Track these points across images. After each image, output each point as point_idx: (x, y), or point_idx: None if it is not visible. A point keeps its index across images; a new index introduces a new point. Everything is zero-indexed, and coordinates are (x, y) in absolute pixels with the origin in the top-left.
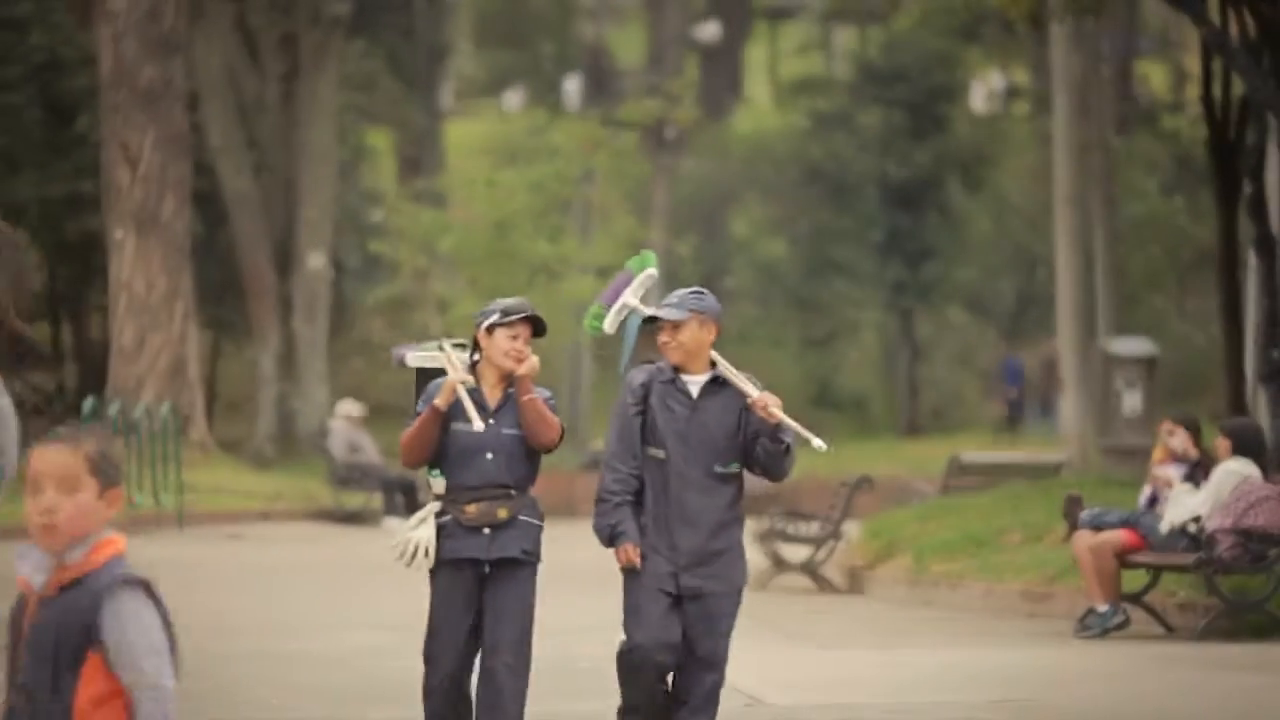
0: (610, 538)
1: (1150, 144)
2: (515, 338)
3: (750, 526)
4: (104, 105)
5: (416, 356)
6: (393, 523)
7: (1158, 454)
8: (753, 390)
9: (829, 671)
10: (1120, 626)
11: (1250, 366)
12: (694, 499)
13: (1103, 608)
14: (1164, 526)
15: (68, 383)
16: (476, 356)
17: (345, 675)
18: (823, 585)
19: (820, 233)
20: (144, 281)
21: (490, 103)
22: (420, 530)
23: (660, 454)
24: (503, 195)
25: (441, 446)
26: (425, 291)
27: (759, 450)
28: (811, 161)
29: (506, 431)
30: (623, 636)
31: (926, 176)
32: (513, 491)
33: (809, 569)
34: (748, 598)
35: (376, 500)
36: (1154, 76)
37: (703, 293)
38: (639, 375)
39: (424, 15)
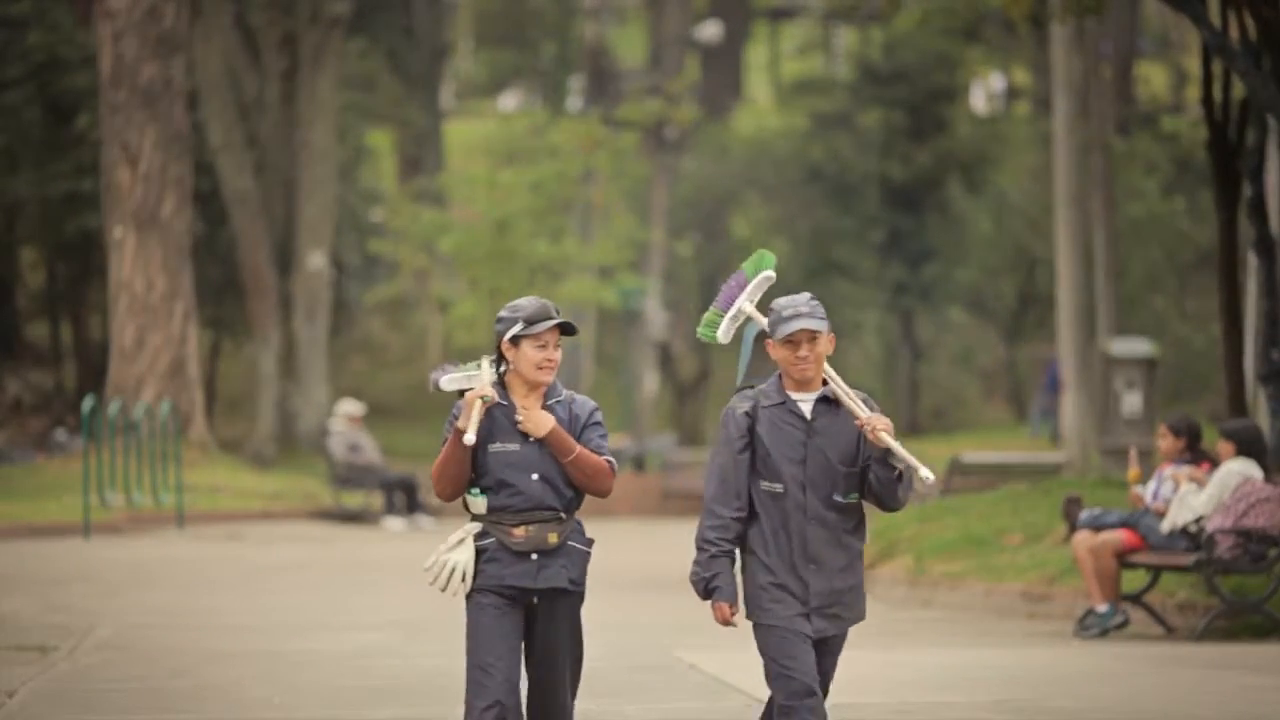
0: (705, 591)
1: (1150, 145)
2: (544, 346)
3: None
4: (104, 104)
5: (451, 379)
6: (393, 522)
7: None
8: (862, 410)
9: None
10: (1120, 627)
11: (1250, 367)
12: (817, 534)
13: (1102, 608)
14: (1165, 526)
15: (67, 382)
16: (504, 368)
17: (345, 675)
18: None
19: (821, 233)
20: (144, 281)
21: (490, 102)
22: (458, 553)
23: (777, 487)
24: (503, 195)
25: (481, 467)
26: (425, 291)
27: (871, 478)
28: (812, 162)
29: (568, 438)
30: (768, 693)
31: (927, 177)
32: (562, 515)
33: None
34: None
35: (376, 500)
36: (1154, 78)
37: (818, 299)
38: (740, 404)
39: (424, 15)
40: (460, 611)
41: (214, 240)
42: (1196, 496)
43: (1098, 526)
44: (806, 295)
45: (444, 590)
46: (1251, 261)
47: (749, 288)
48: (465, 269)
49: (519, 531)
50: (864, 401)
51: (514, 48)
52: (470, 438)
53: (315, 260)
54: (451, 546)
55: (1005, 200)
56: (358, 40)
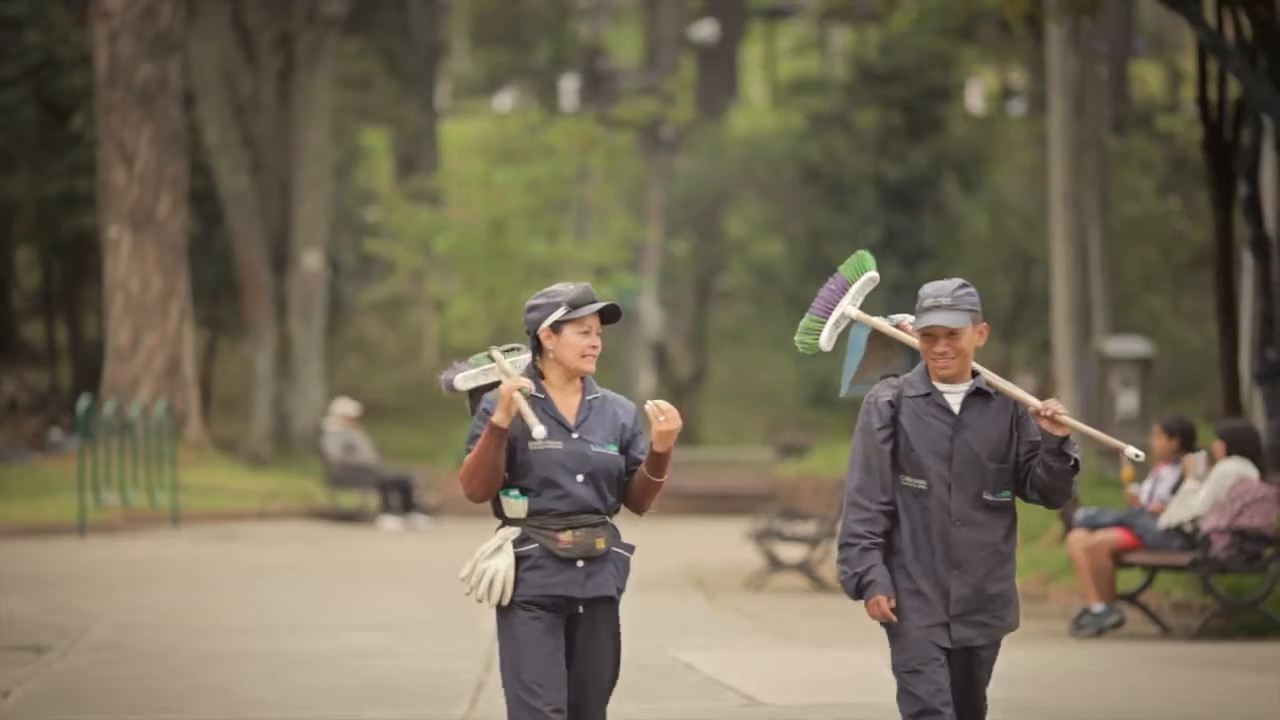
0: (858, 589)
1: (1146, 145)
2: (587, 333)
3: (745, 526)
4: (100, 104)
5: (466, 377)
6: (389, 522)
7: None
8: (1033, 399)
9: (825, 671)
10: (1115, 626)
11: (1246, 367)
12: (963, 535)
13: (1098, 607)
14: (1163, 522)
15: (63, 382)
16: (537, 357)
17: (342, 675)
18: (819, 585)
19: (816, 233)
20: (139, 280)
21: (486, 102)
22: (496, 560)
23: (920, 484)
24: (499, 195)
25: (520, 466)
26: (421, 291)
27: (1040, 470)
28: (808, 161)
29: (596, 450)
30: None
31: (923, 177)
32: (606, 518)
33: (805, 569)
34: (743, 597)
35: (372, 500)
36: (1150, 77)
37: (969, 286)
38: (884, 392)
39: (420, 14)
40: (463, 612)
41: (209, 240)
42: (1197, 495)
43: (1093, 526)
44: (956, 283)
45: (481, 601)
46: (1247, 261)
47: (851, 291)
48: (461, 268)
49: (565, 537)
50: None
51: (510, 47)
52: (540, 430)
53: (311, 260)
54: (489, 554)
55: (1001, 200)
56: (353, 40)
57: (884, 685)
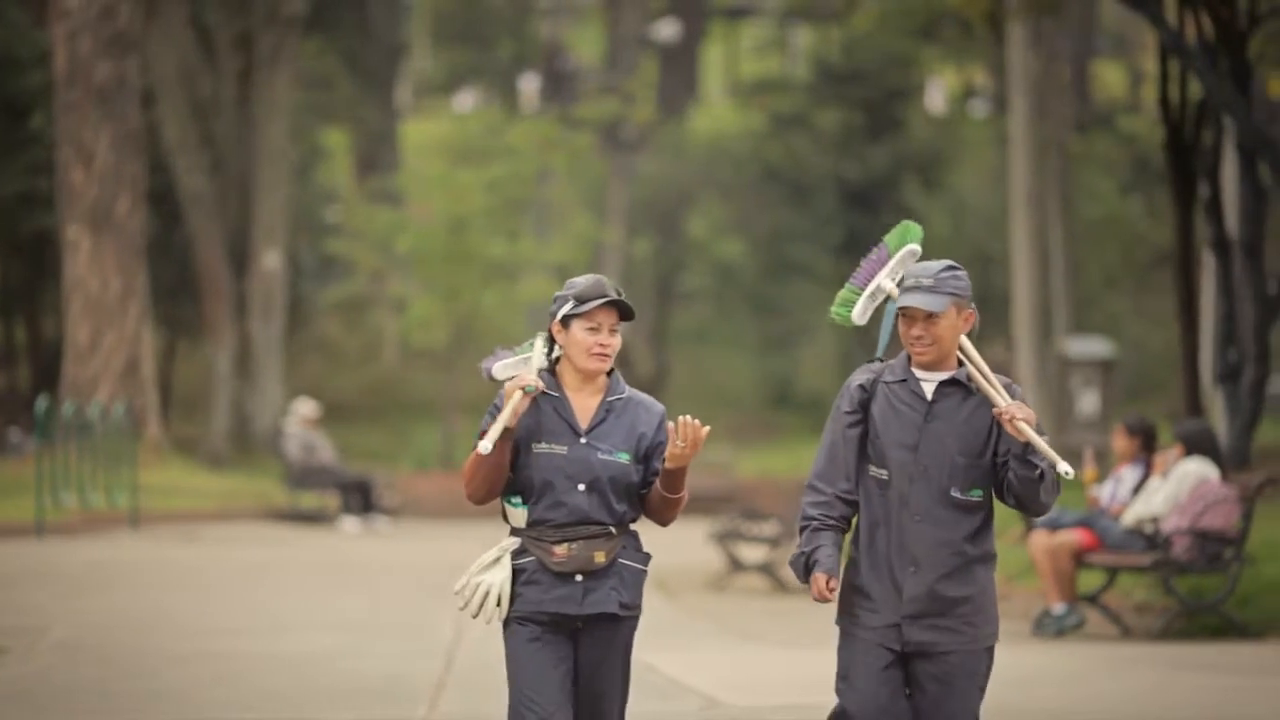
0: (805, 568)
1: (1107, 145)
2: (596, 329)
3: (706, 527)
4: (58, 103)
5: (504, 366)
6: (349, 523)
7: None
8: (1001, 397)
9: (787, 672)
10: (1076, 627)
11: (1206, 367)
12: (921, 531)
13: (1059, 608)
14: (1127, 517)
15: (21, 382)
16: (556, 354)
17: (302, 676)
18: (780, 586)
19: (778, 233)
20: (98, 280)
21: (447, 101)
22: (492, 574)
23: (882, 473)
24: (459, 195)
25: (521, 472)
26: (381, 291)
27: (1011, 477)
28: (769, 162)
29: (603, 457)
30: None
31: (884, 177)
32: (612, 529)
33: (767, 569)
34: (705, 598)
35: (332, 501)
36: (1111, 78)
37: (958, 268)
38: (859, 375)
39: (380, 14)
40: (423, 613)
41: (169, 240)
42: (1157, 496)
43: (1055, 527)
44: (942, 264)
45: (476, 617)
46: (1208, 261)
47: (891, 263)
48: (421, 269)
49: (560, 550)
50: (1006, 389)
51: (470, 47)
52: (486, 446)
53: (271, 260)
54: (485, 566)
55: (962, 200)
56: (313, 39)
57: None
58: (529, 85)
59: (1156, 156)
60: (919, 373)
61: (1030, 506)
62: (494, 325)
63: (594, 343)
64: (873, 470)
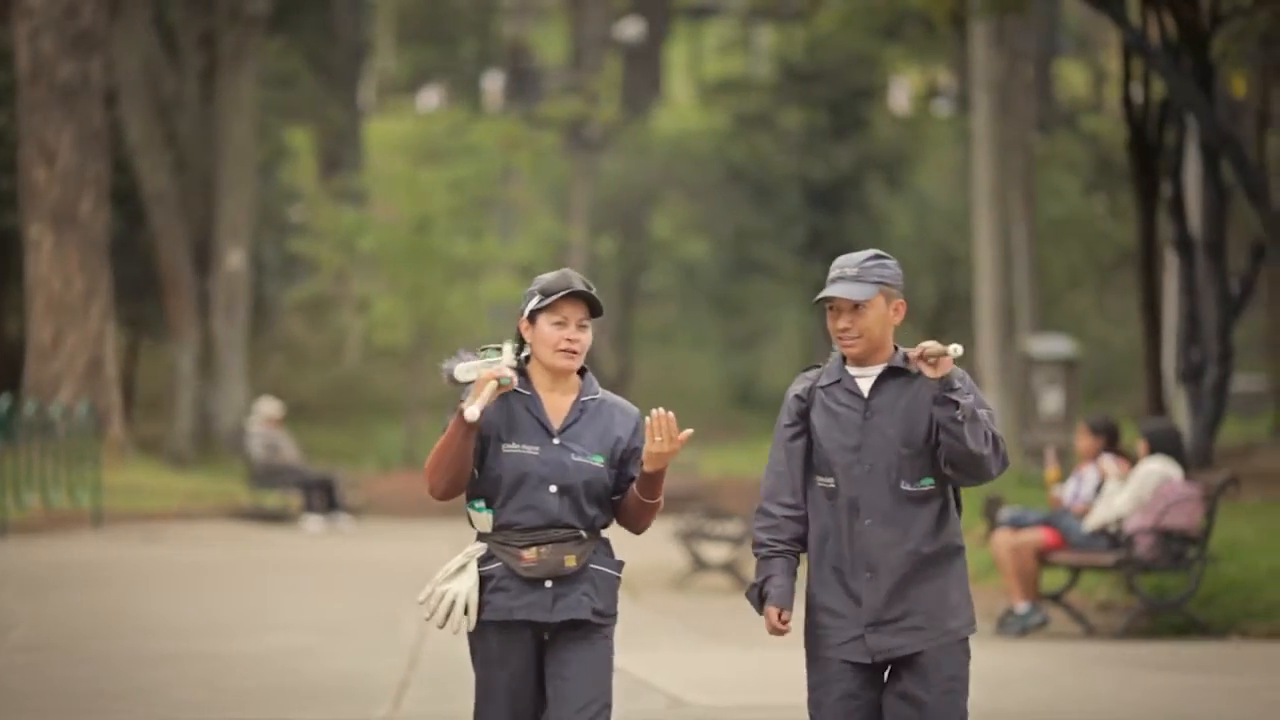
0: (759, 600)
1: (1070, 144)
2: (563, 324)
3: (669, 526)
4: (21, 102)
5: (468, 368)
6: (312, 522)
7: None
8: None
9: (751, 671)
10: (1039, 626)
11: (1169, 367)
12: (875, 534)
13: (1022, 607)
14: (1089, 523)
15: None
16: (527, 353)
17: (266, 676)
18: (743, 585)
19: (741, 233)
20: (61, 279)
21: (411, 100)
22: (457, 581)
23: (829, 482)
24: (423, 194)
25: (489, 470)
26: (345, 290)
27: (940, 432)
28: (733, 161)
29: (576, 459)
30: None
31: (848, 176)
32: (583, 534)
33: (730, 568)
34: (669, 597)
35: (296, 500)
36: (1074, 77)
37: (885, 258)
38: (796, 385)
39: (344, 12)
40: (387, 612)
41: (132, 239)
42: (1119, 496)
43: (1018, 526)
44: (867, 253)
45: (442, 626)
46: (1171, 261)
47: None
48: (385, 268)
49: (529, 554)
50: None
51: (434, 46)
52: (473, 412)
53: (234, 259)
54: (450, 574)
55: (925, 199)
56: (277, 38)
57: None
58: (493, 84)
59: (1120, 156)
60: (853, 370)
61: (965, 465)
62: (457, 325)
63: (561, 338)
64: (819, 480)
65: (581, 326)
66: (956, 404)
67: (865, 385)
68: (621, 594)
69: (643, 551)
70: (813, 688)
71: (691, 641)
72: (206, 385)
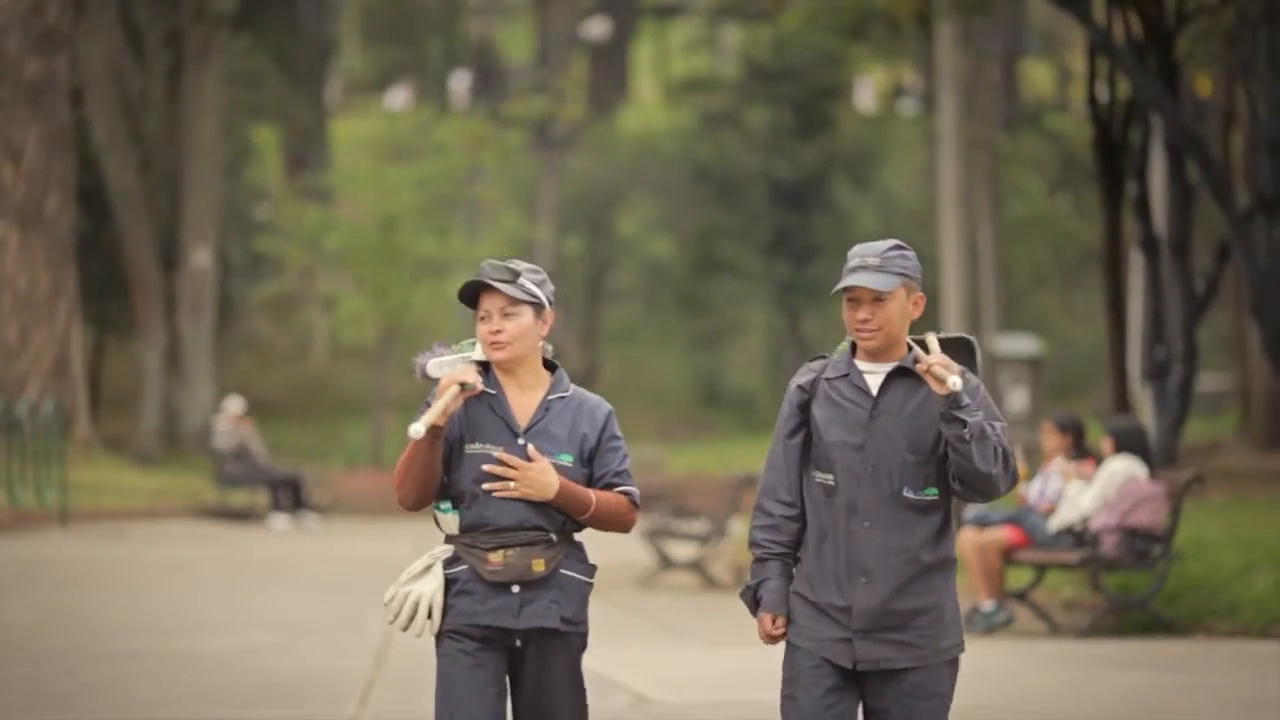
0: (753, 603)
1: (1036, 143)
2: (485, 317)
3: (636, 525)
4: None
5: (441, 363)
6: (278, 520)
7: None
8: (924, 355)
9: (717, 669)
10: (1005, 624)
11: (1135, 365)
12: (873, 538)
13: (987, 605)
14: (1054, 525)
15: None
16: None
17: (233, 674)
18: (710, 583)
19: (707, 231)
20: (27, 278)
21: (377, 99)
22: (422, 583)
23: (828, 479)
24: (389, 192)
25: (455, 473)
26: (311, 289)
27: (949, 452)
28: (699, 160)
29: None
30: None
31: (813, 175)
32: (552, 536)
33: (697, 567)
34: (635, 595)
35: (262, 498)
36: (1040, 76)
37: (906, 248)
38: (800, 376)
39: (310, 11)
40: (353, 611)
41: (98, 237)
42: (1084, 495)
43: (983, 524)
44: (889, 243)
45: (405, 629)
46: (1136, 260)
47: None
48: (351, 266)
49: (495, 558)
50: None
51: (400, 44)
52: (417, 429)
53: (200, 258)
54: (414, 575)
55: (891, 198)
56: (243, 36)
57: (775, 684)
58: (459, 83)
59: (1085, 155)
60: (862, 365)
61: (974, 483)
62: (424, 323)
63: (485, 332)
64: (818, 476)
65: (505, 315)
66: (964, 422)
67: (874, 382)
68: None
69: (609, 550)
70: (789, 678)
71: (658, 639)
72: (173, 384)
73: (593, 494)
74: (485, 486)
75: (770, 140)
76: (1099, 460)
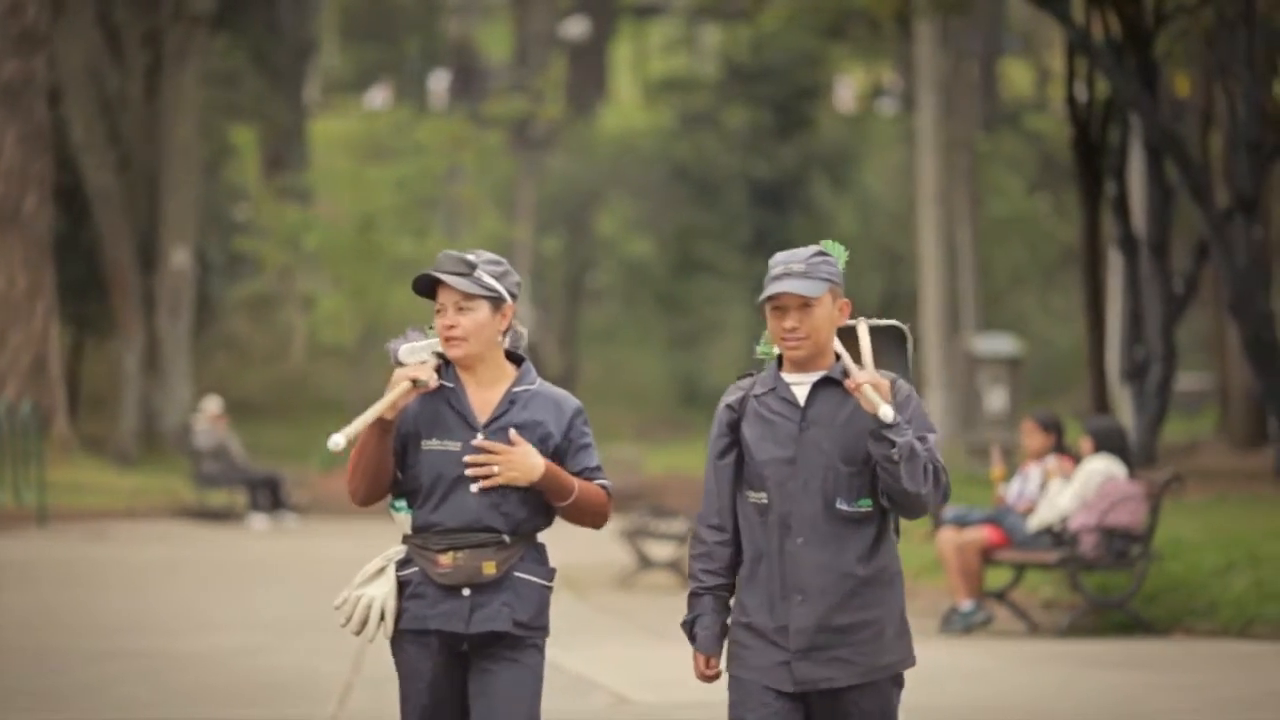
0: (691, 638)
1: (1015, 143)
2: (440, 311)
3: (614, 524)
4: None
5: (412, 349)
6: (258, 520)
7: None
8: (855, 369)
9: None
10: (984, 624)
11: (1113, 365)
12: (806, 556)
13: (966, 605)
14: (1033, 524)
15: None
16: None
17: (211, 674)
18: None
19: (686, 231)
20: (5, 278)
21: (356, 99)
22: (374, 586)
23: (761, 497)
24: (368, 192)
25: (409, 470)
26: (290, 289)
27: (878, 470)
28: (678, 160)
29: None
30: None
31: (792, 175)
32: (505, 537)
33: (675, 566)
34: (614, 595)
35: (241, 498)
36: (1019, 76)
37: (828, 254)
38: (727, 395)
39: (289, 10)
40: (331, 611)
41: (76, 237)
42: (1063, 495)
43: (962, 524)
44: (811, 249)
45: (358, 634)
46: (1115, 259)
47: None
48: (330, 266)
49: (444, 559)
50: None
51: (379, 44)
52: (336, 441)
53: (179, 257)
54: (367, 578)
55: (870, 198)
56: (221, 36)
57: None
58: (438, 83)
59: (1064, 155)
60: (789, 377)
61: (902, 502)
62: (402, 322)
63: (441, 326)
64: (751, 496)
65: (460, 310)
66: (892, 442)
67: (802, 393)
68: (567, 592)
69: (588, 549)
70: (735, 704)
71: (637, 639)
72: (151, 383)
73: (575, 482)
74: (470, 473)
75: (749, 140)
76: (1078, 459)
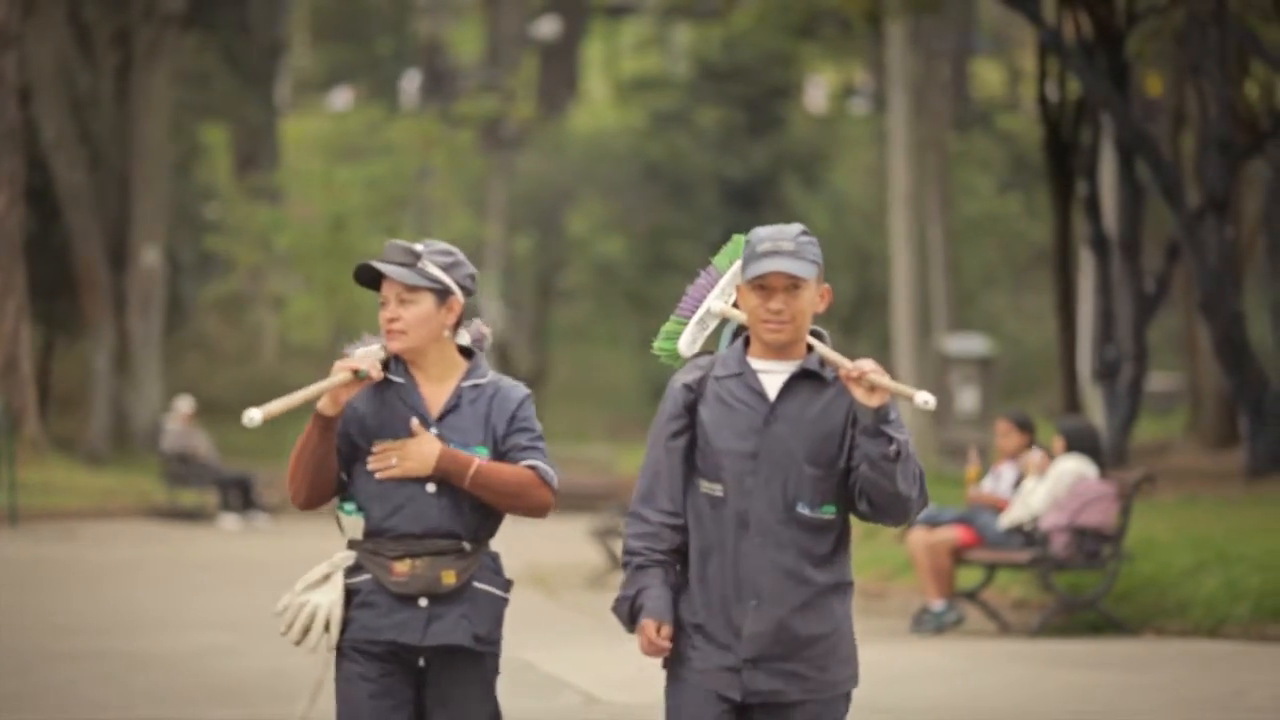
0: (630, 615)
1: (986, 143)
2: (383, 304)
3: (586, 524)
4: None
5: (368, 352)
6: (228, 520)
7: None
8: (844, 360)
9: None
10: (955, 623)
11: (1085, 365)
12: (763, 556)
13: (937, 605)
14: (1003, 522)
15: None
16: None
17: (182, 675)
18: None
19: (658, 231)
20: None
21: (327, 98)
22: (320, 593)
23: (715, 489)
24: (339, 192)
25: (357, 471)
26: (261, 288)
27: (863, 467)
28: (650, 159)
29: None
30: None
31: (764, 175)
32: (465, 545)
33: None
34: (584, 595)
35: (212, 498)
36: (990, 76)
37: (811, 235)
38: (686, 374)
39: (260, 10)
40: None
41: (47, 236)
42: (1034, 494)
43: (933, 524)
44: (797, 228)
45: (298, 643)
46: (1086, 259)
47: (721, 282)
48: (301, 266)
49: (401, 567)
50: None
51: (350, 43)
52: (253, 416)
53: (150, 257)
54: (311, 584)
55: (841, 198)
56: (192, 35)
57: None
58: (409, 82)
59: (1035, 155)
60: (758, 364)
61: (888, 505)
62: (373, 322)
63: (383, 318)
64: (704, 486)
65: (402, 302)
66: (891, 439)
67: (770, 383)
68: (537, 591)
69: (559, 549)
70: (672, 711)
71: (607, 639)
72: (122, 383)
73: (475, 459)
74: (370, 467)
75: (721, 139)
76: (1050, 459)
